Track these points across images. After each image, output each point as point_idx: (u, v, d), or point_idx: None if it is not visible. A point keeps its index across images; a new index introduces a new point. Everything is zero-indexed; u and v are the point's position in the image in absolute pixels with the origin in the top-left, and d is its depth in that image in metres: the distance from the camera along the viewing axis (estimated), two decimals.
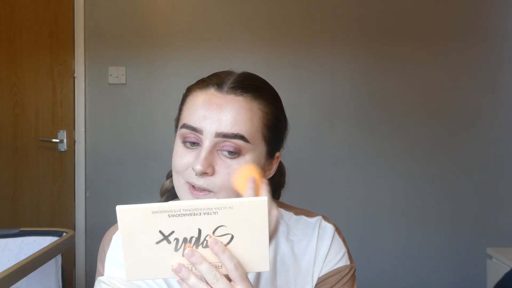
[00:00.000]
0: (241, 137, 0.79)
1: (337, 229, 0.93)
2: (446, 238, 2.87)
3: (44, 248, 1.70)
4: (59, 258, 1.85)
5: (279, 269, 0.88)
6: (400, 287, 2.86)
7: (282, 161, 0.94)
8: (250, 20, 2.85)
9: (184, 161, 0.81)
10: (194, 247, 0.64)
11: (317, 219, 0.93)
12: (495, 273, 2.21)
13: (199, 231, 0.63)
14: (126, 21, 2.84)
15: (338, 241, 0.92)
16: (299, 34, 2.86)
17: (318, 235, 0.91)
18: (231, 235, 0.64)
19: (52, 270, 1.84)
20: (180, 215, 0.62)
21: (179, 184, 0.82)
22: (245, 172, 0.77)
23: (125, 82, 2.84)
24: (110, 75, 2.83)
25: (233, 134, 0.78)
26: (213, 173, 0.78)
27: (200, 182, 0.78)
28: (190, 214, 0.62)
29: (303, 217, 0.94)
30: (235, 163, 0.79)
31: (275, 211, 0.74)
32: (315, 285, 0.88)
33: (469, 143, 2.87)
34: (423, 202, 2.87)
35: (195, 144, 0.81)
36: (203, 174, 0.78)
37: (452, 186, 2.87)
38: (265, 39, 2.85)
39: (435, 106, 2.87)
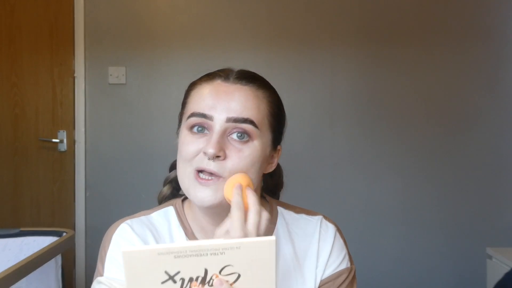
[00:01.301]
0: (251, 122, 0.80)
1: (338, 230, 0.93)
2: (446, 238, 2.87)
3: (44, 248, 1.70)
4: (59, 258, 1.85)
5: (281, 268, 0.88)
6: (400, 287, 2.86)
7: (279, 162, 0.95)
8: (250, 20, 2.85)
9: (194, 148, 0.81)
10: (200, 286, 0.64)
11: (318, 218, 0.93)
12: (495, 273, 2.21)
13: (206, 271, 0.63)
14: (126, 21, 2.83)
15: (340, 242, 0.92)
16: (299, 34, 2.86)
17: (319, 234, 0.91)
18: (238, 274, 0.64)
19: (52, 270, 1.84)
20: (186, 255, 0.61)
21: (185, 173, 0.82)
22: (233, 179, 0.78)
23: (125, 82, 2.83)
24: (110, 75, 2.82)
25: (243, 118, 0.80)
26: (224, 157, 0.79)
27: (211, 166, 0.79)
28: (196, 255, 0.61)
29: (304, 216, 0.94)
30: (245, 147, 0.80)
31: (266, 213, 0.74)
32: (318, 287, 0.88)
33: (469, 143, 2.87)
34: (423, 202, 2.87)
35: (203, 129, 0.81)
36: (215, 158, 0.78)
37: (452, 186, 2.87)
38: (265, 39, 2.85)
39: (435, 106, 2.87)
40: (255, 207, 0.73)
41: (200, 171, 0.80)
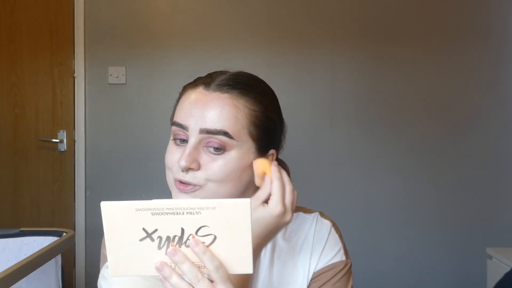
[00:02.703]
0: (225, 133, 0.80)
1: (334, 225, 0.94)
2: (446, 238, 2.87)
3: (44, 248, 1.70)
4: (59, 258, 1.85)
5: (276, 263, 0.89)
6: (400, 287, 2.86)
7: (285, 161, 0.95)
8: (250, 20, 2.85)
9: (173, 158, 0.83)
10: (177, 246, 0.65)
11: (314, 215, 0.94)
12: (495, 273, 2.21)
13: (182, 230, 0.64)
14: (126, 21, 2.83)
15: (335, 236, 0.93)
16: (299, 34, 2.86)
17: (315, 231, 0.92)
18: (214, 235, 0.64)
19: (52, 270, 1.84)
20: (163, 213, 0.63)
21: (169, 180, 0.84)
22: (263, 161, 0.82)
23: (125, 82, 2.84)
24: (110, 75, 2.83)
25: (216, 130, 0.80)
26: (198, 168, 0.80)
27: (186, 177, 0.80)
28: (173, 213, 0.63)
29: (301, 214, 0.95)
30: (220, 158, 0.80)
31: (289, 216, 0.78)
32: (311, 279, 0.89)
33: (469, 143, 2.87)
34: (423, 202, 2.87)
35: (184, 141, 0.83)
36: (188, 169, 0.80)
37: (452, 186, 2.87)
38: (265, 39, 2.85)
39: (435, 106, 2.87)
40: (290, 186, 0.79)
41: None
